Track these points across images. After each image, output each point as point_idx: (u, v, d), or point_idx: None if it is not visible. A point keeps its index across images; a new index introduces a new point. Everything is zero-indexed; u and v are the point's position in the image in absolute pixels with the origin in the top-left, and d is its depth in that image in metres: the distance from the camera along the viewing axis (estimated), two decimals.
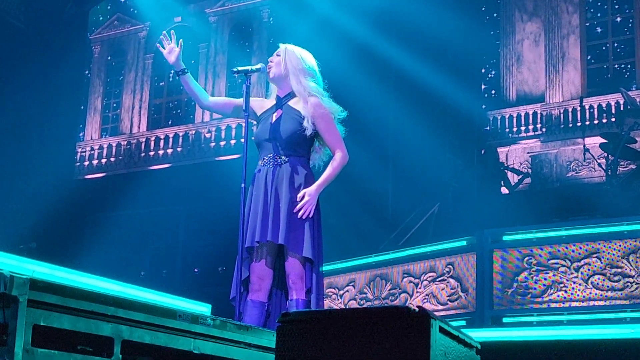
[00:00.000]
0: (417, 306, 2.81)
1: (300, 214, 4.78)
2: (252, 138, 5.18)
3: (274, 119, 5.00)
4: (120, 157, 20.82)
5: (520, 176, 14.11)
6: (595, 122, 15.66)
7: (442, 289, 8.86)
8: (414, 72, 13.10)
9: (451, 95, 13.63)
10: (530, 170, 16.02)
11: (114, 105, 21.73)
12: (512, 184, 13.91)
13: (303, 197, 4.82)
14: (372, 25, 13.25)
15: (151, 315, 3.09)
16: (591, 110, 15.85)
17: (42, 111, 14.79)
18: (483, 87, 17.40)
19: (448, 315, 8.54)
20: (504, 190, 13.67)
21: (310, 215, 4.81)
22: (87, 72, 21.31)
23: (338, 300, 9.85)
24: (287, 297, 4.87)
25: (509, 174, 14.46)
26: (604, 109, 15.68)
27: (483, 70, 17.58)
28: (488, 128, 16.63)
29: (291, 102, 5.02)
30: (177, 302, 6.95)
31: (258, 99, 5.24)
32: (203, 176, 16.58)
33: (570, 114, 16.15)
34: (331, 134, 4.97)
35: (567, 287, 8.01)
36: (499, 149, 16.23)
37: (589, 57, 16.77)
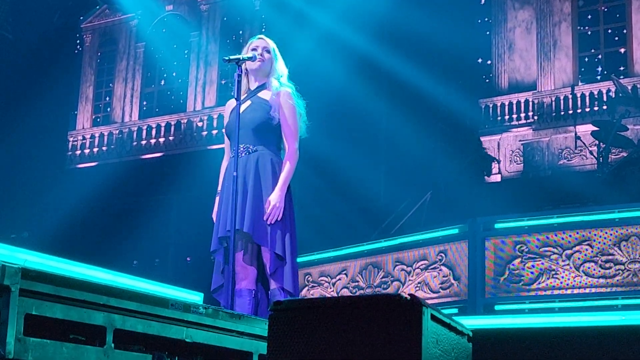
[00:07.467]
0: (409, 294, 2.81)
1: (269, 221, 4.90)
2: (223, 130, 5.29)
3: (243, 109, 5.06)
4: (112, 146, 20.79)
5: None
6: (587, 109, 15.69)
7: (434, 277, 8.88)
8: (406, 67, 13.11)
9: (443, 87, 13.65)
10: (522, 158, 16.06)
11: (106, 94, 21.69)
12: (503, 172, 13.94)
13: (269, 204, 4.92)
14: (363, 26, 13.27)
15: (143, 304, 3.09)
16: (583, 98, 15.87)
17: (34, 100, 14.76)
18: (474, 76, 17.38)
19: (440, 303, 8.55)
20: (493, 178, 13.68)
21: (279, 219, 4.92)
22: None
23: (330, 288, 9.86)
24: (269, 286, 5.00)
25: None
26: (596, 96, 15.70)
27: (480, 60, 17.58)
28: (485, 128, 16.60)
29: (260, 94, 5.16)
30: (170, 291, 6.95)
31: (230, 102, 5.30)
32: (195, 165, 16.57)
33: (562, 101, 16.16)
34: (290, 126, 5.09)
35: (558, 274, 8.03)
36: (490, 137, 16.26)
37: (580, 44, 16.78)
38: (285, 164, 5.04)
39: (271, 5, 16.85)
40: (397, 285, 9.21)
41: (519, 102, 16.67)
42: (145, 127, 20.51)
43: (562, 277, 8.02)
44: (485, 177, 13.63)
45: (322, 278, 9.98)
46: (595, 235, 8.00)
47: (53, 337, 2.80)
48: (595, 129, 11.48)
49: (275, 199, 4.91)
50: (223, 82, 19.95)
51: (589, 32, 16.82)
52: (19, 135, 14.44)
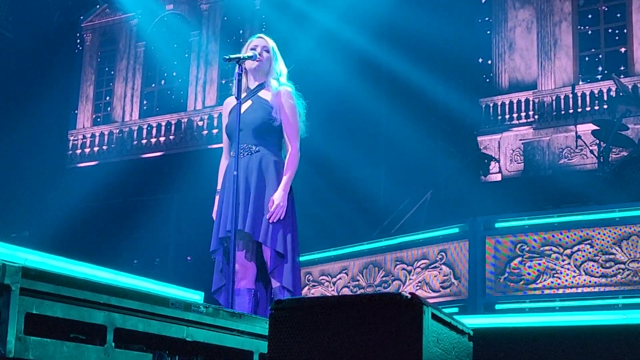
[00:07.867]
0: (410, 293, 2.81)
1: (271, 220, 4.91)
2: (224, 129, 5.27)
3: (244, 109, 5.06)
4: (112, 146, 20.78)
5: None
6: (588, 109, 15.68)
7: (434, 276, 8.88)
8: (406, 67, 13.11)
9: (443, 87, 13.65)
10: (522, 158, 16.06)
11: (106, 93, 21.68)
12: (503, 171, 13.94)
13: (272, 203, 4.94)
14: (363, 25, 13.25)
15: (144, 303, 3.09)
16: (583, 97, 15.86)
17: (34, 99, 14.76)
18: (475, 75, 17.36)
19: (441, 302, 8.55)
20: (493, 177, 13.67)
21: (282, 218, 4.94)
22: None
23: (331, 287, 9.86)
24: (270, 284, 5.02)
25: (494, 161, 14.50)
26: (596, 96, 15.70)
27: (480, 59, 17.57)
28: (485, 127, 16.58)
29: (260, 93, 5.17)
30: (170, 290, 6.95)
31: (228, 101, 5.30)
32: (195, 164, 16.55)
33: (562, 101, 16.16)
34: (292, 126, 5.11)
35: (559, 273, 8.03)
36: (491, 137, 16.25)
37: (581, 44, 16.77)
38: (288, 164, 5.05)
39: (271, 4, 16.83)
40: (397, 284, 9.21)
41: (519, 102, 16.66)
42: (145, 127, 20.50)
43: (563, 277, 8.01)
44: (482, 177, 13.62)
45: (322, 277, 9.98)
46: (595, 234, 7.99)
47: (53, 336, 2.80)
48: (596, 128, 11.47)
49: (279, 198, 4.92)
50: (223, 81, 19.95)
51: (590, 32, 16.81)
52: (19, 134, 14.43)
